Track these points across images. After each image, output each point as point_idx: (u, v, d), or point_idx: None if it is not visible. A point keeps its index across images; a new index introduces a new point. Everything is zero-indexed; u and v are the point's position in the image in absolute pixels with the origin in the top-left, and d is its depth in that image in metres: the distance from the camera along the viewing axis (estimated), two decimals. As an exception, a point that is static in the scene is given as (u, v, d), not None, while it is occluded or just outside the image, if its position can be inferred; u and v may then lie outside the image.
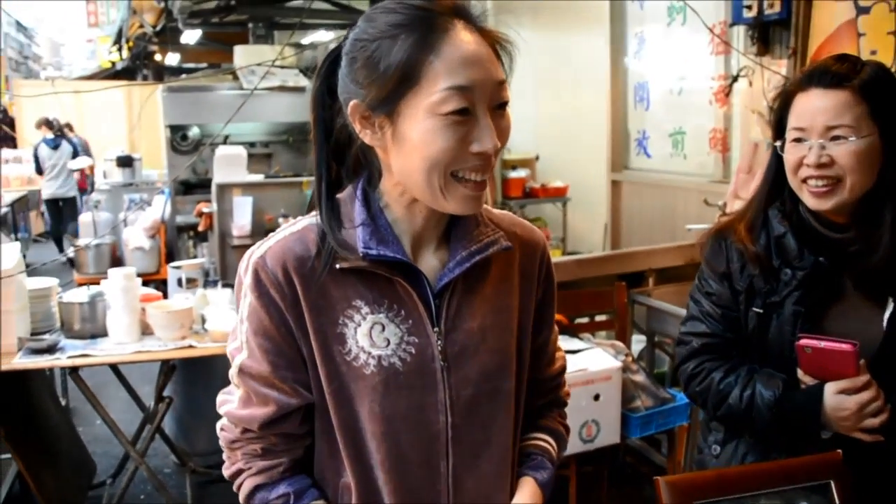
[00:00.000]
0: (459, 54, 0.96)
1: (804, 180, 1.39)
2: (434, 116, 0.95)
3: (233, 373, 1.10)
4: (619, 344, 2.96)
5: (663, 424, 2.96)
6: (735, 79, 3.82)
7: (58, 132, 9.28)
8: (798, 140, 1.39)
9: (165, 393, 3.32)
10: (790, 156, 1.40)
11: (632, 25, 4.98)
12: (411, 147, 0.98)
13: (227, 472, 1.15)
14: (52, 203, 9.40)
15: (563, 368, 1.30)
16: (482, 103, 0.98)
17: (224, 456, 1.16)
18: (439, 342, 1.08)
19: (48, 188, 9.28)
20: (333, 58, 1.05)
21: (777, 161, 1.48)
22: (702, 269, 1.57)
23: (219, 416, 1.15)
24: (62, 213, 9.40)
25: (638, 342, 3.71)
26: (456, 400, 1.09)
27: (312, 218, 1.10)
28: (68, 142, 9.35)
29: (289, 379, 1.07)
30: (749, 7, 3.49)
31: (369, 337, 1.05)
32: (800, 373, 1.43)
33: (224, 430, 1.14)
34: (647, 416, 2.87)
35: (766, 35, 3.59)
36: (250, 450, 1.11)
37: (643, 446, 3.52)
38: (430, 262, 1.10)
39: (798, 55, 3.34)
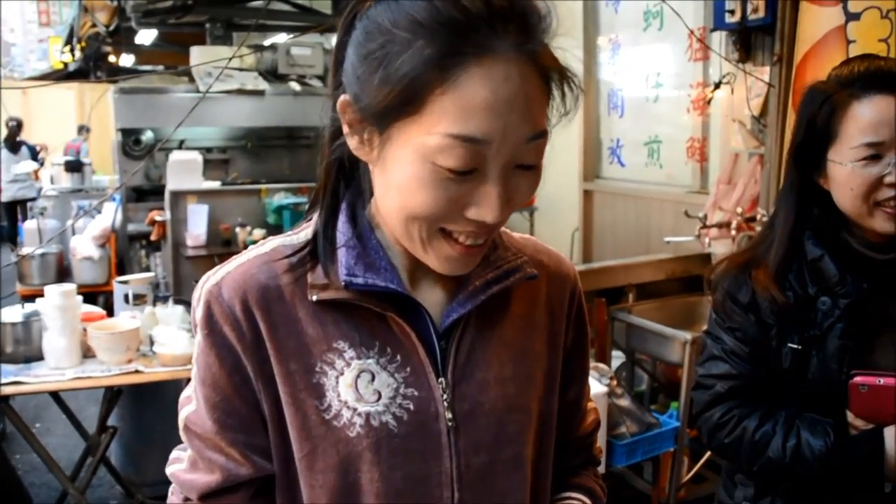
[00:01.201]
0: (481, 95, 0.71)
1: (879, 202, 1.21)
2: (426, 163, 0.73)
3: (180, 426, 0.89)
4: (604, 367, 2.78)
5: (649, 451, 2.79)
6: (717, 86, 3.69)
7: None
8: (872, 157, 1.20)
9: (111, 419, 3.06)
10: (861, 177, 1.21)
11: (605, 30, 4.84)
12: (393, 185, 0.76)
13: None
14: (10, 206, 9.08)
15: (597, 425, 1.09)
16: (497, 162, 0.74)
17: None
18: (445, 396, 0.85)
19: (9, 190, 8.92)
20: (352, 18, 0.80)
21: (801, 184, 1.30)
22: (719, 301, 1.37)
23: (169, 444, 0.95)
24: (16, 217, 9.06)
25: (615, 358, 3.54)
26: (465, 470, 0.85)
27: (284, 237, 0.88)
28: (26, 145, 9.08)
29: (239, 443, 0.85)
30: (732, 12, 3.36)
31: (354, 389, 0.82)
32: (850, 416, 1.24)
33: (172, 494, 0.93)
34: (633, 443, 2.70)
35: (748, 41, 3.46)
36: None
37: (625, 472, 3.35)
38: (433, 295, 0.87)
39: (783, 62, 3.20)
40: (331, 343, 0.83)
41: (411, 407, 0.84)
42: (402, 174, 0.74)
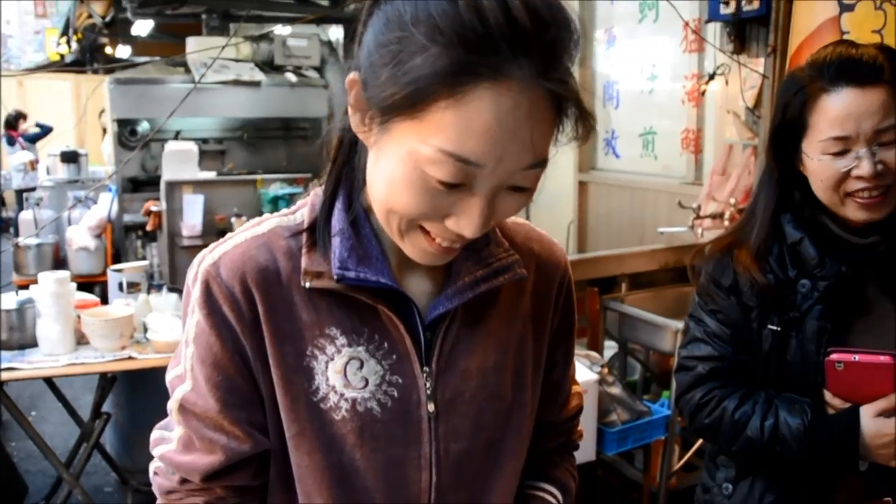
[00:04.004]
0: (484, 119, 0.68)
1: (849, 193, 1.21)
2: (416, 168, 0.72)
3: (172, 407, 0.88)
4: (595, 355, 2.79)
5: (640, 439, 2.81)
6: (711, 77, 3.69)
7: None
8: (840, 152, 1.20)
9: (105, 406, 3.07)
10: (829, 170, 1.21)
11: (602, 22, 4.84)
12: (381, 176, 0.76)
13: None
14: (19, 195, 9.06)
15: (580, 409, 1.09)
16: (488, 183, 0.72)
17: None
18: (428, 384, 0.86)
19: (16, 179, 8.89)
20: None
21: (782, 170, 1.30)
22: (702, 284, 1.38)
23: None
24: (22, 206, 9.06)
25: (609, 349, 3.56)
26: (444, 455, 0.88)
27: (281, 217, 0.88)
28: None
29: (242, 421, 0.85)
30: (726, 3, 3.36)
31: (343, 375, 0.84)
32: (827, 395, 1.25)
33: (158, 476, 0.91)
34: (624, 430, 2.71)
35: (743, 32, 3.46)
36: None
37: (615, 460, 3.36)
38: (421, 285, 0.88)
39: (778, 53, 3.21)
40: (323, 328, 0.84)
41: (395, 394, 0.85)
42: (392, 170, 0.74)
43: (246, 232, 0.87)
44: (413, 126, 0.71)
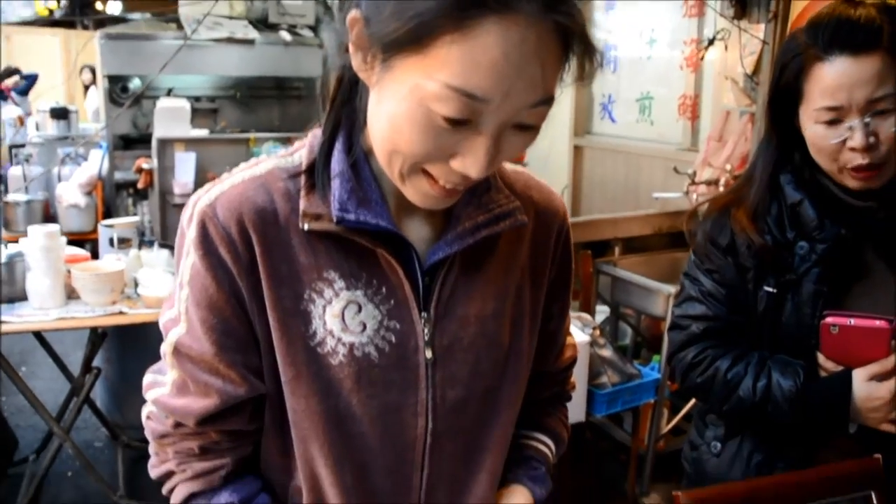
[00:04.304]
0: (491, 53, 0.67)
1: (844, 165, 1.19)
2: (420, 105, 0.70)
3: (166, 350, 0.87)
4: (587, 316, 2.80)
5: (629, 402, 2.82)
6: (711, 42, 3.65)
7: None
8: (833, 122, 1.17)
9: (95, 362, 3.07)
10: (823, 141, 1.19)
11: (601, -15, 4.78)
12: (384, 116, 0.74)
13: (154, 471, 0.93)
14: (8, 150, 8.96)
15: (574, 360, 1.10)
16: (494, 119, 0.71)
17: (151, 450, 0.93)
18: (426, 330, 0.86)
19: (8, 135, 8.79)
20: None
21: (780, 133, 1.28)
22: (699, 243, 1.36)
23: None
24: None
25: (600, 313, 3.57)
26: (440, 402, 0.87)
27: (279, 159, 0.86)
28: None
29: (237, 364, 0.84)
30: (728, -35, 3.31)
31: (341, 319, 0.83)
32: (821, 358, 1.25)
33: (151, 420, 0.90)
34: (614, 392, 2.73)
35: (744, -4, 3.42)
36: (184, 448, 0.89)
37: (604, 422, 3.39)
38: (420, 230, 0.87)
39: (779, 19, 3.17)
40: (321, 272, 0.83)
41: (393, 339, 0.85)
42: (395, 109, 0.72)
43: (243, 173, 0.85)
44: (417, 62, 0.69)
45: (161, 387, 0.88)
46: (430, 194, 0.77)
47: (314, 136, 0.86)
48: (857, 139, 1.15)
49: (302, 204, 0.81)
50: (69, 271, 2.72)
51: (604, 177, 4.83)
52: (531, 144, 0.77)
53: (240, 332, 0.84)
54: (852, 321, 1.17)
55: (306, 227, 0.81)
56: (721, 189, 3.45)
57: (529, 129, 0.74)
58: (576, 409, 2.63)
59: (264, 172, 0.85)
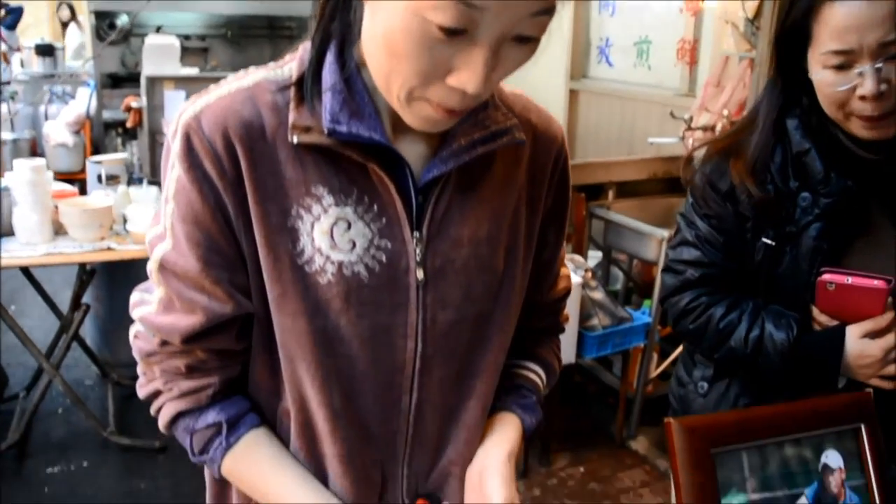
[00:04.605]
0: None
1: (852, 112, 1.14)
2: (415, 16, 0.67)
3: (152, 267, 0.84)
4: (579, 258, 2.79)
5: (619, 345, 2.84)
6: (711, -18, 3.57)
7: None
8: (842, 67, 1.11)
9: (84, 301, 3.05)
10: (831, 87, 1.13)
11: (600, -77, 4.66)
12: (379, 32, 0.71)
13: (142, 391, 0.91)
14: None
15: (568, 291, 1.07)
16: (492, 30, 0.68)
17: (139, 370, 0.91)
18: (418, 250, 0.83)
19: None
20: None
21: (786, 77, 1.22)
22: (698, 185, 1.32)
23: None
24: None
25: (592, 258, 3.56)
26: (430, 325, 0.85)
27: (268, 71, 0.82)
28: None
29: (223, 281, 0.82)
30: None
31: (329, 236, 0.80)
32: (815, 311, 1.23)
33: (138, 339, 0.88)
34: (604, 335, 2.74)
35: (747, -65, 3.34)
36: (171, 367, 0.87)
37: (593, 365, 3.41)
38: (415, 147, 0.84)
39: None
40: (309, 187, 0.80)
41: (384, 259, 0.82)
42: (390, 22, 0.69)
43: (230, 84, 0.82)
44: None
45: (147, 305, 0.86)
46: (429, 117, 0.75)
47: (305, 49, 0.83)
48: (868, 86, 1.09)
49: (291, 116, 0.78)
50: (56, 207, 2.68)
51: (599, 121, 4.78)
52: (529, 60, 0.74)
53: (226, 249, 0.82)
54: (850, 280, 1.15)
55: (295, 139, 0.78)
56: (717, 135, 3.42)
57: (529, 42, 0.71)
58: (566, 351, 2.64)
59: (252, 84, 0.81)
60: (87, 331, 3.58)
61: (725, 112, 3.47)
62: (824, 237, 1.20)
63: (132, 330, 0.90)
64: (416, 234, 0.83)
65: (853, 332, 1.19)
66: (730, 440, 0.92)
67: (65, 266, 3.03)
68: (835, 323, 1.22)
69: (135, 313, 0.88)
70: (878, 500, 1.05)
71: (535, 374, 1.04)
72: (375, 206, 0.81)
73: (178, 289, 0.83)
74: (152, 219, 0.87)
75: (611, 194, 3.34)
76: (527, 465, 2.99)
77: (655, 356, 3.20)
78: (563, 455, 3.12)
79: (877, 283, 1.14)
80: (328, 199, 0.80)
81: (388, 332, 0.84)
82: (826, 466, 1.04)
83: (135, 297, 0.90)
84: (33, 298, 3.57)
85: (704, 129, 3.52)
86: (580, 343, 2.73)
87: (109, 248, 2.64)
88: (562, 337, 1.12)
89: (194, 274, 0.81)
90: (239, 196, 0.79)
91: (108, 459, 2.96)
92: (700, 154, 1.39)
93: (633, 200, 3.37)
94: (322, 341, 0.83)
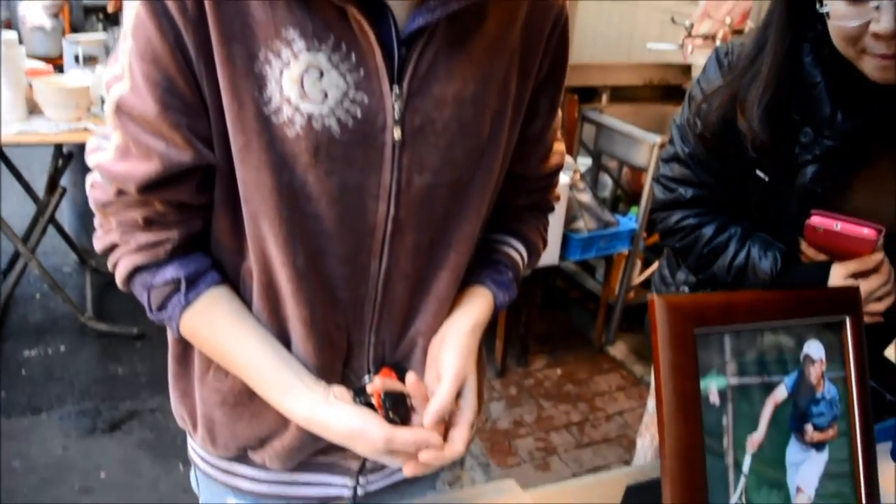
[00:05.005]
0: None
1: (867, 50, 1.03)
2: None
3: (108, 109, 0.79)
4: (568, 159, 2.74)
5: (604, 249, 2.82)
6: None
7: None
8: None
9: (62, 183, 2.98)
10: (843, 21, 1.01)
11: None
12: None
13: (98, 243, 0.86)
14: None
15: (560, 167, 1.02)
16: None
17: (96, 222, 0.86)
18: (397, 107, 0.77)
19: None
20: None
21: (795, 5, 1.10)
22: (698, 97, 1.23)
23: None
24: None
25: (582, 165, 3.51)
26: (405, 187, 0.80)
27: None
28: None
29: (182, 126, 0.76)
30: None
31: (299, 85, 0.74)
32: (803, 245, 1.19)
33: (95, 188, 0.83)
34: (589, 238, 2.72)
35: None
36: (128, 218, 0.82)
37: (576, 271, 3.41)
38: None
39: None
40: (279, 29, 0.73)
41: (358, 114, 0.76)
42: None
43: None
44: None
45: (103, 151, 0.81)
46: None
47: None
48: (884, 22, 0.97)
49: None
50: (31, 85, 2.58)
51: (597, 25, 4.63)
52: None
53: (185, 93, 0.76)
54: (839, 226, 1.09)
55: None
56: (718, 43, 3.32)
57: None
58: (550, 252, 2.62)
59: None
60: (66, 218, 3.52)
61: (728, 20, 3.37)
62: (819, 179, 1.15)
63: (88, 179, 0.85)
64: (396, 89, 0.77)
65: (838, 272, 1.16)
66: (714, 320, 0.89)
67: (41, 150, 2.95)
68: (822, 258, 1.19)
69: (90, 160, 0.83)
70: (855, 393, 1.04)
71: (516, 251, 1.01)
72: (353, 56, 0.75)
73: (134, 133, 0.77)
74: (110, 57, 0.80)
75: (604, 98, 3.26)
76: (504, 364, 3.02)
77: (639, 263, 3.19)
78: (540, 356, 3.15)
79: (866, 231, 1.08)
80: (299, 44, 0.74)
81: (358, 192, 0.79)
82: (807, 357, 1.02)
83: (91, 143, 0.84)
84: (10, 183, 3.48)
85: (705, 37, 3.42)
86: (564, 244, 2.70)
87: (87, 129, 2.55)
88: (554, 206, 1.08)
89: (152, 117, 0.76)
90: (201, 36, 0.73)
91: (86, 344, 2.95)
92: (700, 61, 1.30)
93: (626, 106, 3.30)
94: (287, 197, 0.78)
